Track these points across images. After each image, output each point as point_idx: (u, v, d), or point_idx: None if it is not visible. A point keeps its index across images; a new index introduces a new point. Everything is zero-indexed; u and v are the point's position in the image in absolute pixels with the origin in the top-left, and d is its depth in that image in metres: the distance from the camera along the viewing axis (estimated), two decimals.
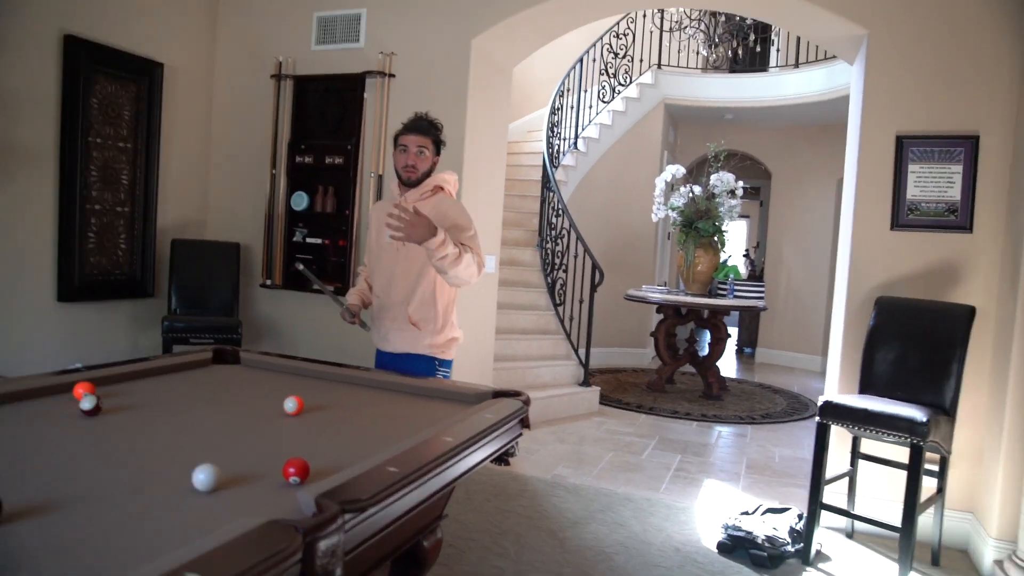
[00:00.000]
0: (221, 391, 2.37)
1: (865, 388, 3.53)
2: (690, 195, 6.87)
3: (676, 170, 7.07)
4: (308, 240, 5.04)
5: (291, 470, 1.51)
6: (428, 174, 3.00)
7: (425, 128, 2.99)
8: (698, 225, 6.80)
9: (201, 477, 1.45)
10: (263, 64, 5.17)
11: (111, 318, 4.79)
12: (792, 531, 3.42)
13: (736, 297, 6.98)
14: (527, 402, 2.33)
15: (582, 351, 6.25)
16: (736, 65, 8.64)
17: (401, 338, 3.01)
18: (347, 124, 4.92)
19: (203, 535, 1.15)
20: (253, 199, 5.22)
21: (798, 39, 8.16)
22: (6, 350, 4.17)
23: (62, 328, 4.48)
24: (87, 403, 1.92)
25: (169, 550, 1.11)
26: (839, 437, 3.68)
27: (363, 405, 2.30)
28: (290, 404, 2.08)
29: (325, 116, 5.02)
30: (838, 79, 7.53)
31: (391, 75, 4.80)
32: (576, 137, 7.97)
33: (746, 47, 7.73)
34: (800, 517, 3.53)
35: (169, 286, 4.87)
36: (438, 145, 3.04)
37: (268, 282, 5.10)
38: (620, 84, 8.36)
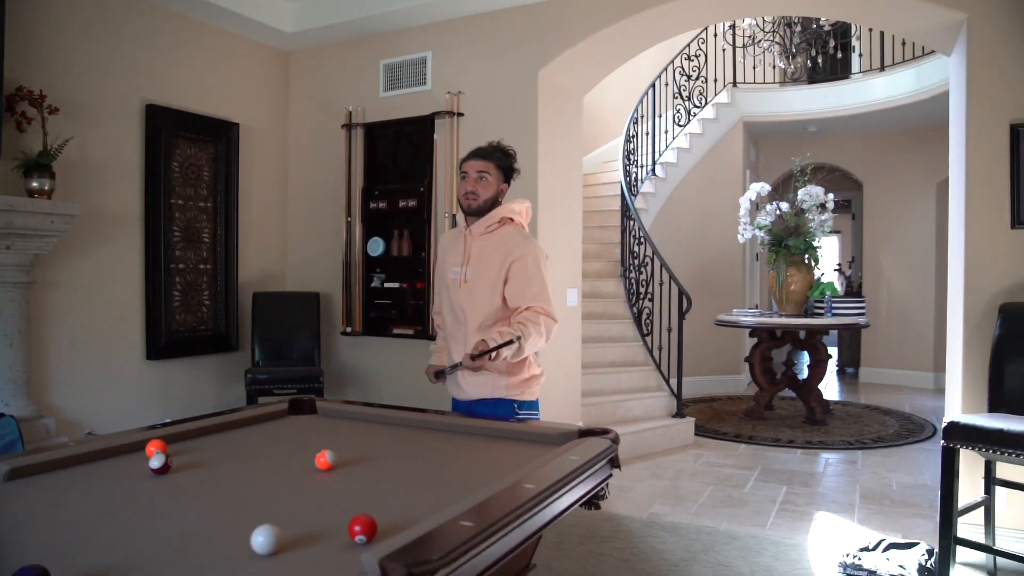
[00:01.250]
0: (293, 443, 2.29)
1: (996, 406, 3.16)
2: (777, 212, 6.55)
3: (761, 188, 6.76)
4: (386, 285, 5.02)
5: (357, 528, 1.39)
6: (494, 202, 2.71)
7: (486, 152, 2.74)
8: (788, 243, 6.46)
9: (260, 540, 1.33)
10: (334, 115, 5.24)
11: (197, 373, 4.86)
12: (922, 569, 3.07)
13: (835, 315, 6.57)
14: (615, 440, 2.15)
15: (673, 381, 5.98)
16: (816, 75, 8.28)
17: (474, 382, 2.70)
18: (418, 166, 4.91)
19: None
20: (330, 248, 5.26)
21: (882, 40, 7.76)
22: (100, 408, 4.26)
23: (151, 385, 4.56)
24: (156, 462, 1.87)
25: None
26: (969, 461, 3.30)
27: (440, 452, 2.17)
28: (323, 458, 1.94)
29: (396, 160, 5.02)
30: (929, 77, 7.09)
31: (459, 114, 4.77)
32: (654, 163, 7.77)
33: (825, 55, 7.40)
34: (930, 553, 3.17)
35: (252, 339, 4.91)
36: (506, 171, 2.74)
37: (348, 329, 5.09)
38: (695, 106, 8.14)
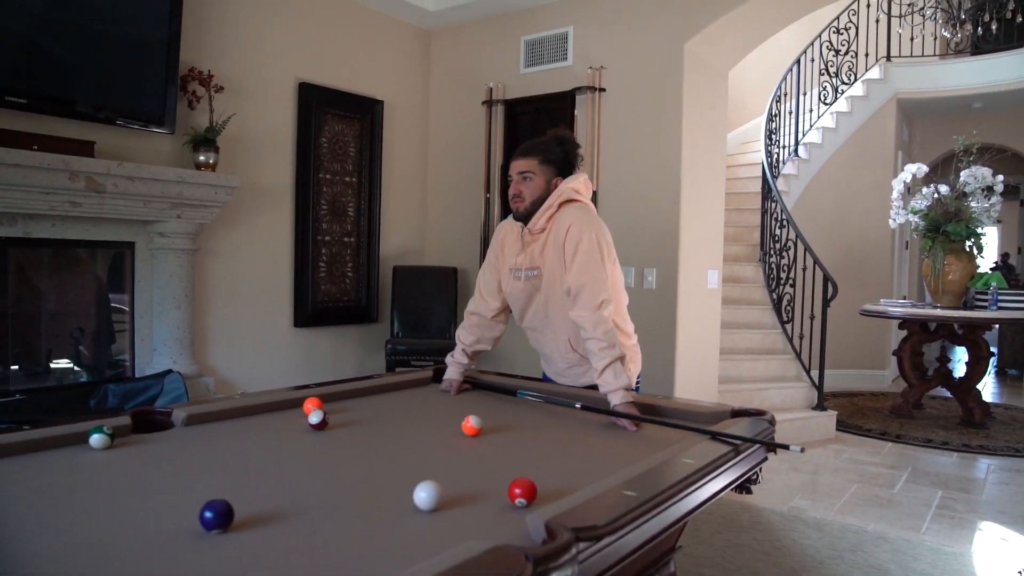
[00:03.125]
0: (441, 409, 2.32)
1: None
2: (935, 196, 6.06)
3: (917, 169, 6.28)
4: None
5: (517, 491, 1.37)
6: (544, 199, 2.46)
7: (527, 149, 2.51)
8: (947, 228, 5.97)
9: (423, 496, 1.34)
10: (474, 92, 5.28)
11: (340, 342, 5.06)
12: None
13: (1001, 308, 6.01)
14: (772, 422, 2.04)
15: (814, 372, 5.69)
16: (985, 43, 7.56)
17: (578, 374, 2.58)
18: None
19: (426, 557, 1.03)
20: (468, 224, 5.33)
21: None
22: (251, 370, 4.53)
23: (297, 351, 4.80)
24: (315, 417, 1.93)
25: (391, 571, 1.00)
26: None
27: (589, 425, 2.13)
28: (469, 424, 1.94)
29: (536, 137, 5.00)
30: None
31: (601, 89, 4.69)
32: (797, 144, 7.38)
33: (1001, 20, 6.72)
34: None
35: (392, 311, 5.06)
36: (557, 163, 2.49)
37: None
38: (844, 83, 7.65)
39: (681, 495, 1.43)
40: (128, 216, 3.77)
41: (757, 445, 1.88)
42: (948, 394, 6.53)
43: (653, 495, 1.34)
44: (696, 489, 1.51)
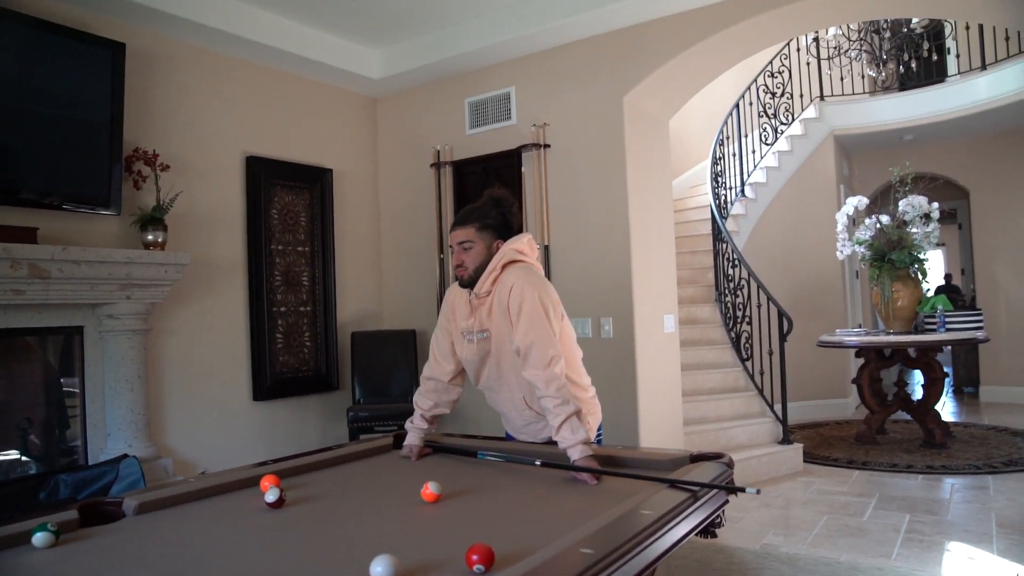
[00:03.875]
0: (400, 477, 2.29)
1: None
2: (878, 226, 6.26)
3: (859, 201, 6.49)
4: None
5: (474, 557, 1.35)
6: (486, 264, 2.49)
7: (464, 218, 2.52)
8: (891, 256, 6.15)
9: (379, 571, 1.32)
10: (422, 155, 5.35)
11: (301, 412, 4.98)
12: None
13: (949, 330, 6.18)
14: (730, 464, 2.07)
15: (777, 407, 5.74)
16: (908, 80, 7.94)
17: (536, 430, 2.58)
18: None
19: None
20: (424, 286, 5.34)
21: (981, 38, 7.38)
22: (211, 448, 4.42)
23: (258, 425, 4.71)
24: (271, 496, 1.90)
25: None
26: None
27: (547, 481, 2.12)
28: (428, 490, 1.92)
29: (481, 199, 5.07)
30: None
31: (546, 145, 4.79)
32: (743, 184, 7.58)
33: (919, 58, 7.08)
34: None
35: (352, 377, 5.01)
36: (495, 228, 2.50)
37: None
38: (782, 123, 7.92)
39: (640, 547, 1.43)
40: (75, 300, 3.70)
41: (716, 490, 1.89)
42: (909, 417, 6.63)
43: (611, 551, 1.34)
44: (656, 540, 1.51)
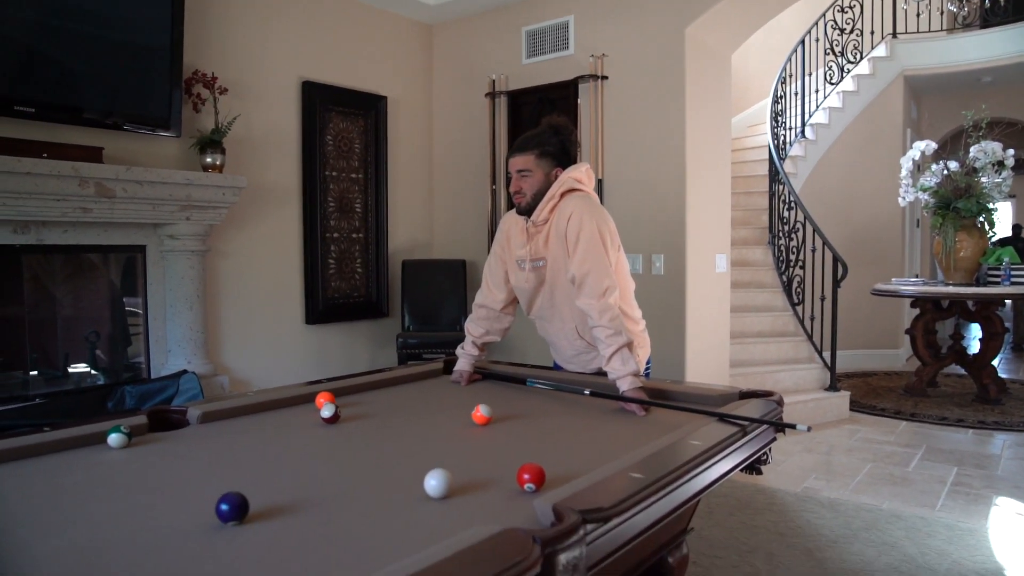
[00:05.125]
0: (451, 400, 2.35)
1: None
2: (945, 172, 6.02)
3: (926, 146, 6.24)
4: None
5: (526, 476, 1.40)
6: (544, 191, 2.49)
7: (523, 145, 2.51)
8: (957, 205, 5.93)
9: (433, 483, 1.37)
10: (477, 84, 5.30)
11: (351, 337, 5.11)
12: None
13: (1014, 283, 5.98)
14: (780, 402, 2.06)
15: (826, 354, 5.68)
16: (993, 16, 7.48)
17: (586, 361, 2.62)
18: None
19: (437, 543, 1.06)
20: (475, 216, 5.35)
21: None
22: (264, 368, 4.58)
23: (309, 348, 4.84)
24: (327, 411, 1.96)
25: (401, 557, 1.03)
26: None
27: (596, 410, 2.15)
28: (478, 413, 1.97)
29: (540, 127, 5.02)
30: None
31: (604, 77, 4.68)
32: (803, 125, 7.34)
33: None
34: None
35: (402, 305, 5.10)
36: (554, 155, 2.50)
37: None
38: (849, 62, 7.59)
39: (688, 476, 1.46)
40: (138, 220, 3.81)
41: (765, 426, 1.90)
42: (963, 371, 6.50)
43: (659, 476, 1.36)
44: (703, 470, 1.53)
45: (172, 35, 3.85)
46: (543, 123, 2.57)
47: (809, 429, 1.82)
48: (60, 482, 1.49)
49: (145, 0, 3.77)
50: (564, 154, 2.53)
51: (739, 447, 1.74)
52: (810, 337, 5.85)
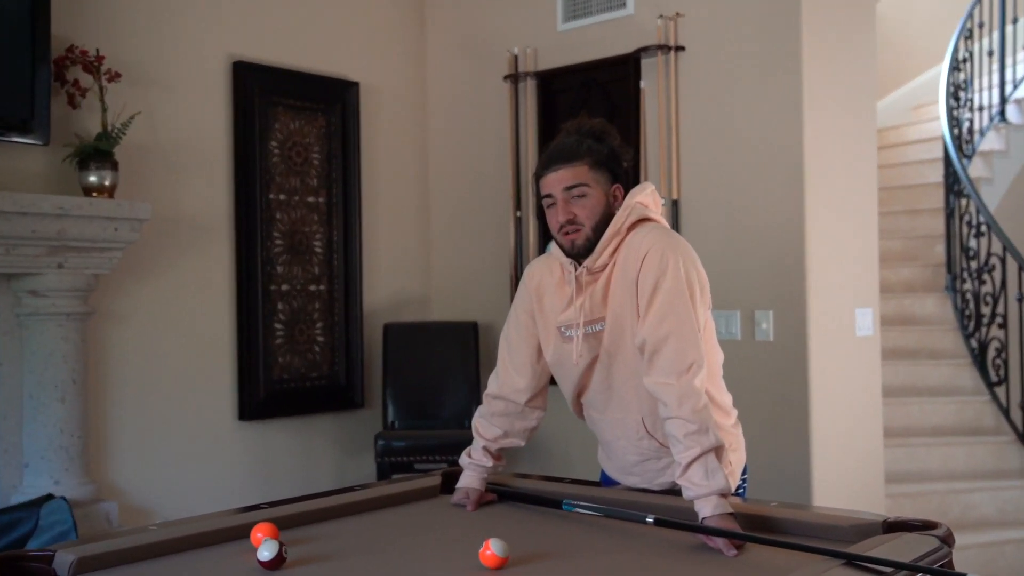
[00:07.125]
0: (452, 533, 2.36)
1: None
2: None
3: None
4: None
5: None
6: (607, 221, 2.47)
7: (569, 153, 2.47)
8: None
9: None
10: (492, 63, 5.38)
11: (308, 440, 5.14)
12: None
13: None
14: (948, 540, 2.00)
15: None
16: None
17: (656, 471, 2.61)
18: (619, 131, 4.91)
19: None
20: (492, 257, 5.38)
21: None
22: (175, 488, 4.58)
23: (245, 456, 4.88)
24: (266, 551, 1.95)
25: None
26: None
27: (664, 548, 2.14)
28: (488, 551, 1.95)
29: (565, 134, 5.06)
30: None
31: (679, 48, 4.72)
32: (1002, 102, 7.28)
33: None
34: None
35: (383, 390, 5.12)
36: (606, 165, 2.49)
37: None
38: None
39: None
40: None
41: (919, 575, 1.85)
42: None
43: None
44: None
45: None
46: (566, 129, 2.58)
47: None
48: None
49: None
50: (619, 166, 2.54)
51: None
52: (1021, 436, 5.73)
